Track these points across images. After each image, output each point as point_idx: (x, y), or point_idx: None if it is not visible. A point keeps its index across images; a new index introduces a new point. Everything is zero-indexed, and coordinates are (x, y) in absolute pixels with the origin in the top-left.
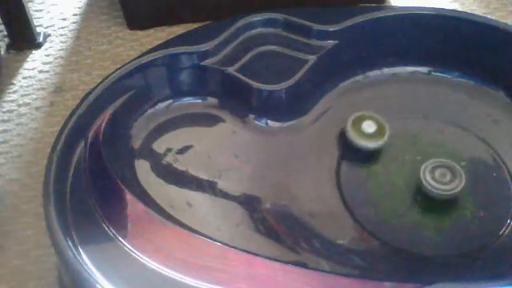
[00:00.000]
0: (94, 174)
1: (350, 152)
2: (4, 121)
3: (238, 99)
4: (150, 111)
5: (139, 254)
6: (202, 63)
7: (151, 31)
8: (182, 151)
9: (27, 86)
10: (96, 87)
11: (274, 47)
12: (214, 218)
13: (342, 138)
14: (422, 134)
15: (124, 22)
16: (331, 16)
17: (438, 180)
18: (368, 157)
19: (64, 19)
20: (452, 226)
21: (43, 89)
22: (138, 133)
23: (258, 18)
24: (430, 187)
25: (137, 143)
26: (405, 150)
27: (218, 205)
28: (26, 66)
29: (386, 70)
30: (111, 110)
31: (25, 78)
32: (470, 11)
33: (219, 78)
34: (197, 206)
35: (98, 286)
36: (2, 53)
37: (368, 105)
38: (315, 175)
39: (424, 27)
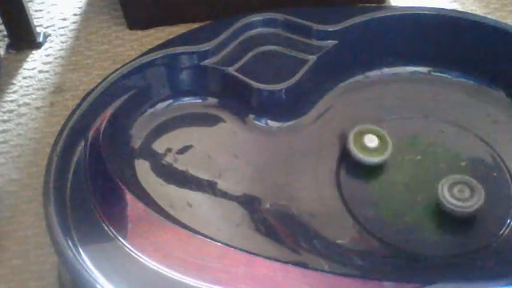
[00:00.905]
0: (93, 174)
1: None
2: (4, 121)
3: (238, 99)
4: (149, 111)
5: (139, 253)
6: (202, 63)
7: (151, 31)
8: (182, 151)
9: (27, 86)
10: (96, 87)
11: (273, 47)
12: (214, 218)
13: (342, 138)
14: (421, 133)
15: (124, 22)
16: (331, 16)
17: (458, 197)
18: None
19: (64, 19)
20: (452, 226)
21: (43, 89)
22: (138, 133)
23: (257, 18)
24: (449, 205)
25: (137, 143)
26: (405, 149)
27: (218, 205)
28: (25, 65)
29: (386, 70)
30: (111, 110)
31: (25, 77)
32: (470, 11)
33: (219, 78)
34: (197, 206)
35: (97, 286)
36: (2, 53)
37: (368, 105)
38: (315, 175)
39: (424, 27)
